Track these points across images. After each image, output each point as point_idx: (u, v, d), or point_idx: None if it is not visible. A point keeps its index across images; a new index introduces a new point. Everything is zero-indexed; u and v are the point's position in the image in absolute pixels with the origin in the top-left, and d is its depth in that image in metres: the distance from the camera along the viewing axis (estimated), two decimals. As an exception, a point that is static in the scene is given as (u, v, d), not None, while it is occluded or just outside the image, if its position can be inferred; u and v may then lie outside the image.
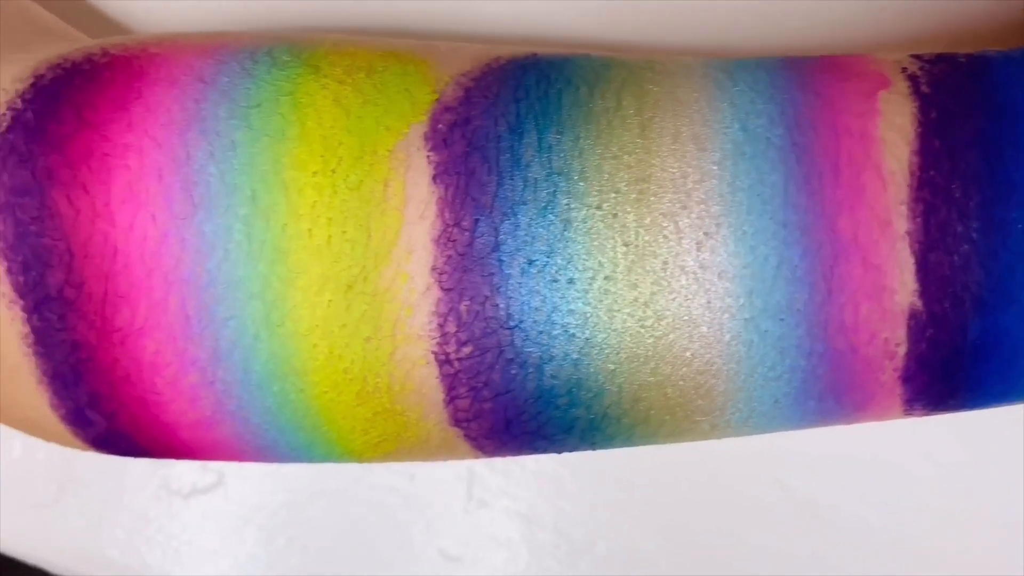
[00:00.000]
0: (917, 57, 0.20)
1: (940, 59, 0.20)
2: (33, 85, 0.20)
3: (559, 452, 0.21)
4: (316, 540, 0.30)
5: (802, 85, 0.19)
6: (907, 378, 0.19)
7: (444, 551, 0.30)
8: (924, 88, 0.19)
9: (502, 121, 0.19)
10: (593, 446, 0.21)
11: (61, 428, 0.22)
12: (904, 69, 0.19)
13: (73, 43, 0.22)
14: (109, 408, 0.21)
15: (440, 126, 0.19)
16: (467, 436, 0.20)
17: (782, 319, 0.19)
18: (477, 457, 0.22)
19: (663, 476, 0.29)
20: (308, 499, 0.30)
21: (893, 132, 0.18)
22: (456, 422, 0.20)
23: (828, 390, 0.19)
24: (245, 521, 0.30)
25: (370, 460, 0.22)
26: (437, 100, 0.19)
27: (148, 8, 0.28)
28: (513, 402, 0.19)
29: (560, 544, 0.29)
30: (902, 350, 0.19)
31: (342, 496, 0.30)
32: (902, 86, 0.19)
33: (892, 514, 0.29)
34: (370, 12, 0.28)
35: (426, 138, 0.19)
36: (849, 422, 0.21)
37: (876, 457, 0.29)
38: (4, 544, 0.30)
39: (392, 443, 0.21)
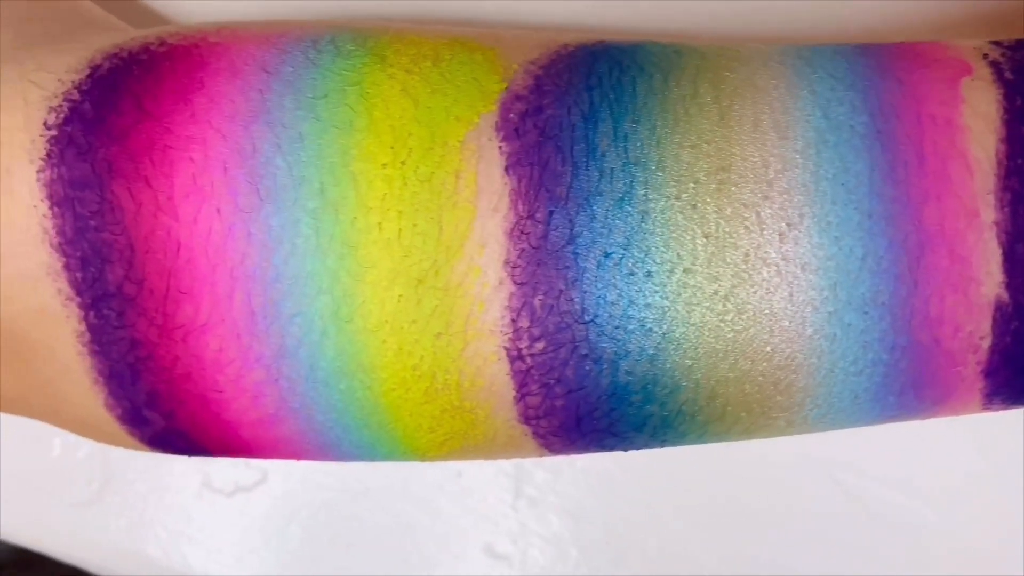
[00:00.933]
0: (996, 44, 0.19)
1: (1021, 45, 0.19)
2: (90, 76, 0.19)
3: (626, 450, 0.21)
4: (361, 538, 0.30)
5: (883, 72, 0.19)
6: (989, 372, 0.19)
7: (491, 549, 0.29)
8: (1008, 75, 0.18)
9: (575, 110, 0.18)
10: (663, 444, 0.20)
11: (116, 428, 0.21)
12: (985, 56, 0.19)
13: (126, 32, 0.21)
14: (168, 407, 0.20)
15: (511, 115, 0.18)
16: (535, 433, 0.20)
17: (866, 312, 0.18)
18: (542, 455, 0.21)
19: (715, 473, 0.29)
20: (353, 496, 0.30)
21: (978, 120, 0.18)
22: (526, 419, 0.20)
23: (909, 384, 0.19)
24: (289, 519, 0.30)
25: (433, 459, 0.21)
26: (507, 89, 0.19)
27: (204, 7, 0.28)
28: (586, 399, 0.19)
29: (610, 541, 0.29)
30: (986, 343, 0.18)
31: (387, 493, 0.29)
32: (984, 73, 0.19)
33: (949, 512, 0.29)
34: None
35: (497, 128, 0.18)
36: (925, 417, 0.21)
37: (933, 454, 0.28)
38: (44, 544, 0.30)
39: (458, 441, 0.20)
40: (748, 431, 0.20)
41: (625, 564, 0.29)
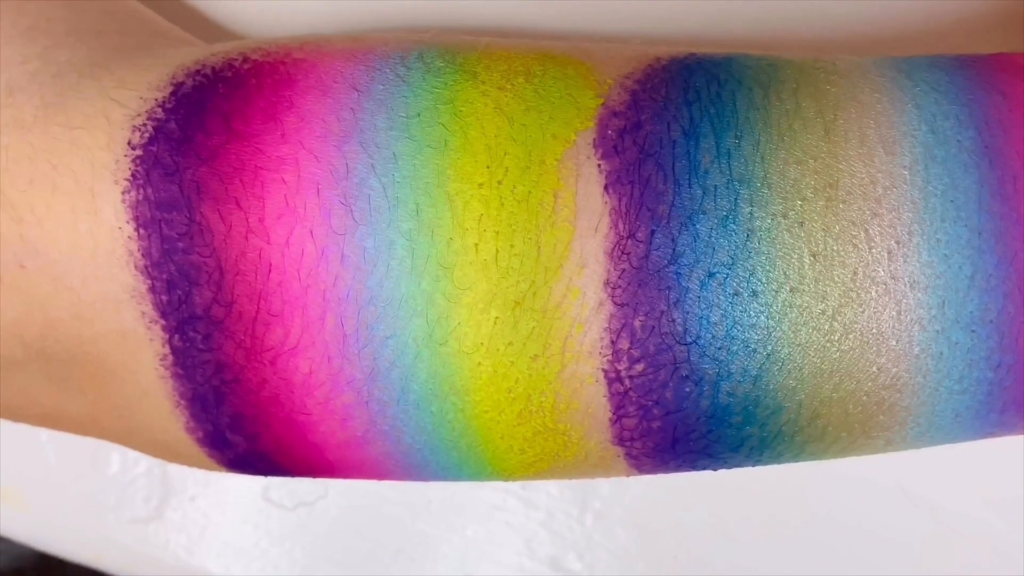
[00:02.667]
0: (1095, 52, 0.19)
1: None
2: (173, 93, 0.19)
3: (717, 469, 0.20)
4: (424, 553, 0.29)
5: (985, 85, 0.18)
6: (1092, 389, 0.18)
7: (557, 563, 0.29)
8: None
9: (675, 126, 0.18)
10: (757, 463, 0.20)
11: (196, 451, 0.21)
12: None
13: (203, 47, 0.21)
14: (253, 430, 0.20)
15: (610, 132, 0.18)
16: (628, 455, 0.20)
17: (974, 330, 0.18)
18: (631, 475, 0.21)
19: (785, 487, 0.28)
20: (414, 511, 0.29)
21: None
22: (620, 441, 0.19)
23: (1012, 402, 0.19)
24: (351, 534, 0.30)
25: (519, 479, 0.21)
26: (603, 105, 0.18)
27: (248, 9, 0.27)
28: (684, 420, 0.19)
29: (678, 556, 0.28)
30: None
31: (450, 507, 0.29)
32: None
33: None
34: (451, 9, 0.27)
35: (595, 145, 0.18)
36: (1017, 434, 0.20)
37: (999, 464, 0.28)
38: (104, 562, 0.30)
39: (547, 462, 0.20)
40: (845, 450, 0.20)
41: (694, 579, 0.29)
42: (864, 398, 0.18)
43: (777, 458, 0.20)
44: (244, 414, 0.20)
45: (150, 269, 0.19)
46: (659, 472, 0.21)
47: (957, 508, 0.28)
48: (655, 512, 0.29)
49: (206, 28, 0.28)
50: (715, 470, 0.20)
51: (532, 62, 0.19)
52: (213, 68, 0.19)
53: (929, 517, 0.28)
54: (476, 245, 0.18)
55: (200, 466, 0.22)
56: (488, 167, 0.18)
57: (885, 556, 0.28)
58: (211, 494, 0.30)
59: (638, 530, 0.29)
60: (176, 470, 0.29)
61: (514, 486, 0.29)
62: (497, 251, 0.18)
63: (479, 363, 0.18)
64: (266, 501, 0.30)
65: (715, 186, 0.18)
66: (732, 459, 0.20)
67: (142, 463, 0.29)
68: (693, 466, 0.20)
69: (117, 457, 0.30)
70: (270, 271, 0.18)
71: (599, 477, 0.21)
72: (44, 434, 0.30)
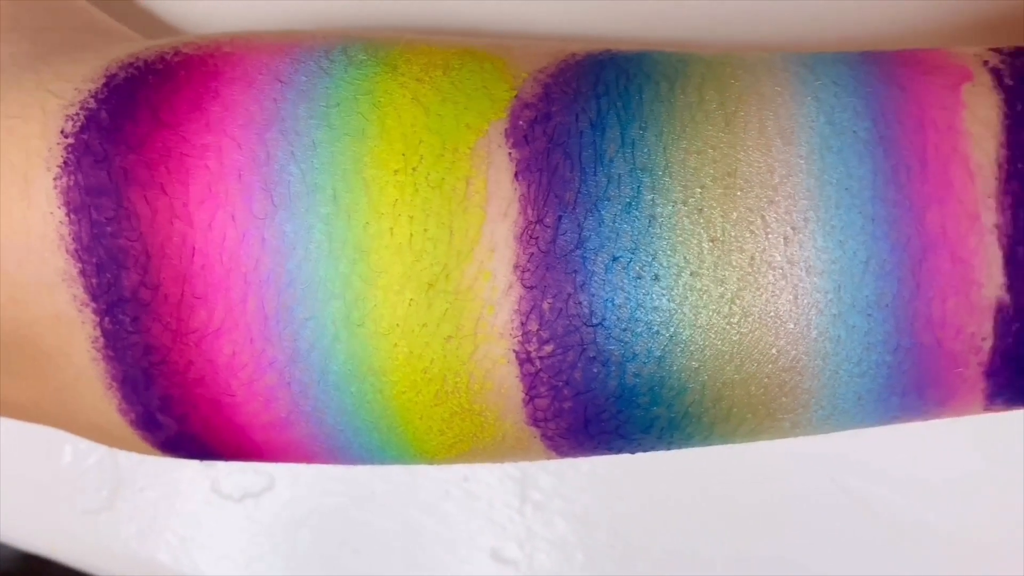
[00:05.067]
0: (996, 51, 0.20)
1: (1020, 52, 0.20)
2: (106, 84, 0.20)
3: (633, 452, 0.21)
4: (368, 543, 0.30)
5: (885, 78, 0.19)
6: (991, 373, 0.19)
7: (497, 553, 0.30)
8: (1008, 80, 0.19)
9: (583, 117, 0.19)
10: (669, 446, 0.21)
11: (129, 432, 0.21)
12: (985, 62, 0.19)
13: (141, 43, 0.21)
14: (180, 411, 0.20)
15: (521, 123, 0.19)
16: (544, 436, 0.20)
17: (870, 314, 0.18)
18: (550, 458, 0.21)
19: (719, 474, 0.29)
20: (359, 502, 0.30)
21: (979, 125, 0.18)
22: (534, 421, 0.20)
23: (912, 385, 0.19)
24: (297, 524, 0.30)
25: (442, 461, 0.21)
26: (516, 97, 0.19)
27: (197, 8, 0.28)
28: (593, 401, 0.19)
29: (616, 545, 0.29)
30: (987, 344, 0.19)
31: (393, 498, 0.30)
32: (985, 79, 0.19)
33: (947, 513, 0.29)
34: (407, 11, 0.27)
35: (507, 135, 0.19)
36: (928, 418, 0.21)
37: (933, 453, 0.29)
38: (56, 551, 0.30)
39: (467, 443, 0.21)
40: (754, 433, 0.20)
41: (631, 566, 0.29)
42: (766, 380, 0.19)
43: (688, 440, 0.20)
44: (172, 395, 0.20)
45: (80, 253, 0.19)
46: (578, 455, 0.21)
47: (887, 496, 0.29)
48: (593, 502, 0.29)
49: (158, 29, 0.29)
50: (632, 453, 0.21)
51: (451, 56, 0.20)
52: (145, 61, 0.20)
53: (861, 505, 0.29)
54: (391, 229, 0.18)
55: (137, 450, 0.22)
56: (404, 155, 0.19)
57: (816, 542, 0.29)
58: (161, 485, 0.30)
59: (577, 520, 0.29)
60: (127, 461, 0.30)
61: (455, 477, 0.29)
62: (411, 235, 0.18)
63: (395, 344, 0.19)
64: (214, 492, 0.30)
65: (619, 174, 0.18)
66: (645, 440, 0.20)
67: (94, 454, 0.30)
68: (609, 448, 0.21)
69: (70, 448, 0.30)
70: (193, 254, 0.19)
71: (520, 460, 0.22)
72: (-4, 425, 0.30)
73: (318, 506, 0.30)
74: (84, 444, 0.30)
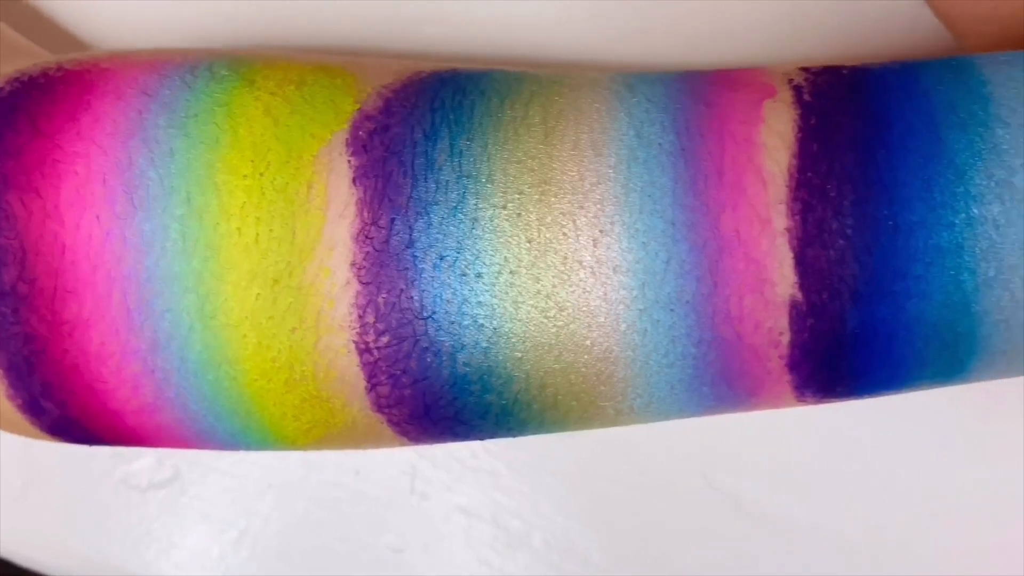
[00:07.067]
0: (805, 69, 0.22)
1: (825, 71, 0.21)
2: None
3: (481, 439, 0.23)
4: (265, 534, 0.32)
5: (694, 95, 0.21)
6: (793, 365, 0.21)
7: (390, 544, 0.31)
8: (806, 97, 0.21)
9: (418, 129, 0.21)
10: (510, 432, 0.22)
11: (19, 417, 0.23)
12: (790, 80, 0.21)
13: (35, 59, 0.23)
14: (60, 397, 0.22)
15: (360, 133, 0.21)
16: (390, 422, 0.22)
17: (672, 309, 0.20)
18: (403, 444, 0.23)
19: (597, 470, 0.31)
20: (257, 494, 0.31)
21: (774, 137, 0.20)
22: (378, 408, 0.22)
23: (719, 376, 0.21)
24: (200, 515, 0.32)
25: (304, 447, 0.23)
26: (359, 109, 0.21)
27: (109, 26, 0.30)
28: (430, 389, 0.21)
29: (498, 536, 0.31)
30: (786, 339, 0.20)
31: (289, 491, 0.31)
32: (787, 95, 0.21)
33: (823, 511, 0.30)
34: (317, 31, 0.29)
35: (347, 144, 0.21)
36: (747, 408, 0.22)
37: (802, 449, 0.30)
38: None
39: (322, 429, 0.22)
40: (584, 420, 0.22)
41: (513, 557, 0.31)
42: (583, 369, 0.21)
43: (524, 425, 0.22)
44: (52, 383, 0.22)
45: None
46: (428, 441, 0.23)
47: (758, 498, 0.30)
48: (476, 496, 0.31)
49: (74, 45, 0.31)
50: (481, 439, 0.23)
51: (307, 72, 0.22)
52: (30, 76, 0.22)
53: (731, 501, 0.30)
54: (239, 229, 0.20)
55: (27, 434, 0.24)
56: (252, 161, 0.20)
57: (691, 541, 0.31)
58: (73, 475, 0.32)
59: (462, 512, 0.31)
60: (41, 453, 0.32)
61: (347, 470, 0.31)
62: (258, 235, 0.20)
63: (245, 335, 0.21)
64: (122, 483, 0.32)
65: (447, 181, 0.20)
66: (484, 426, 0.22)
67: (7, 445, 0.32)
68: (454, 434, 0.22)
69: (-12, 440, 0.32)
70: (64, 252, 0.21)
71: (375, 446, 0.23)
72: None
73: (219, 498, 0.32)
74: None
